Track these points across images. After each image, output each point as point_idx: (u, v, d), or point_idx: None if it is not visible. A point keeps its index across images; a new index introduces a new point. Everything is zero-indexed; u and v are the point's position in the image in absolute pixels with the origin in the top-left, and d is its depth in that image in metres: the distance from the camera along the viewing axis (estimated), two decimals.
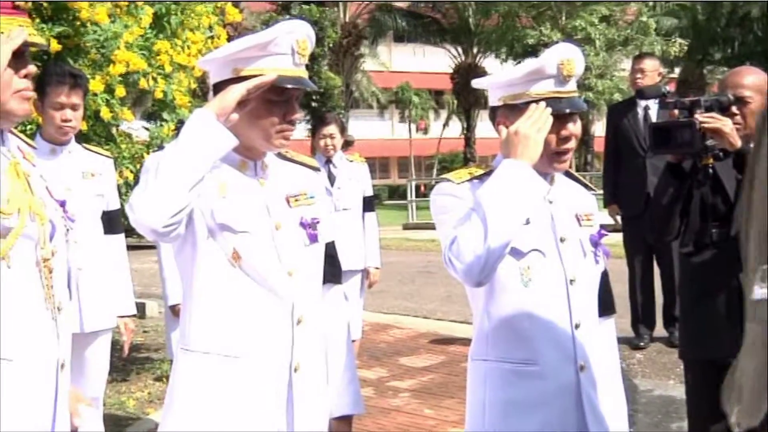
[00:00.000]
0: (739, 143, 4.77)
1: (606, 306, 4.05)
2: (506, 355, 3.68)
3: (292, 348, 3.52)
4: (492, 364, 3.72)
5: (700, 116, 4.76)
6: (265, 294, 3.51)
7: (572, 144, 3.77)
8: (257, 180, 3.65)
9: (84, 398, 3.59)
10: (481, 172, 3.72)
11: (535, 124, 3.52)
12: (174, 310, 7.53)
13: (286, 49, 3.51)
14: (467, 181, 3.70)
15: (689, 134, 4.78)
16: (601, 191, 10.35)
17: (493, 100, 3.80)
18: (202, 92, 10.33)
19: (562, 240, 3.77)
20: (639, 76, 10.15)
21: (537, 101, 3.61)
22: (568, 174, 4.03)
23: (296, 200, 3.69)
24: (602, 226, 4.03)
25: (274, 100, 3.52)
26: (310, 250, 3.65)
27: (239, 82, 3.40)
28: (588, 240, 3.90)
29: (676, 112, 4.90)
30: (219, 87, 3.51)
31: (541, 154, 3.60)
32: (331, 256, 3.86)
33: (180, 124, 8.53)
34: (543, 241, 3.71)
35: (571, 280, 3.75)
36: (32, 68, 3.08)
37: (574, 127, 3.78)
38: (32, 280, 3.10)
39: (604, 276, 4.05)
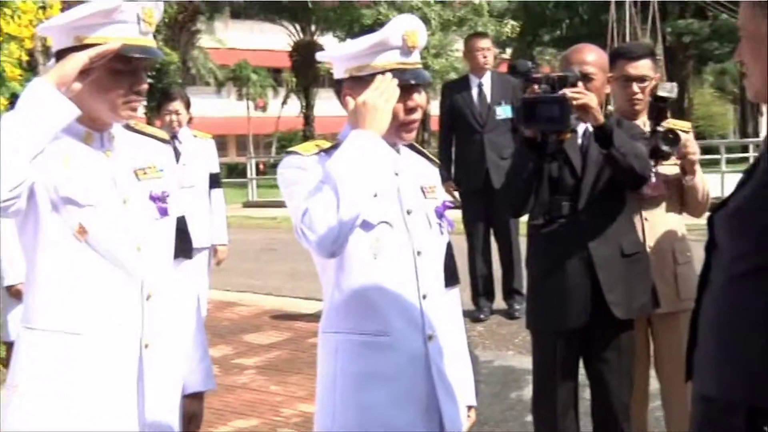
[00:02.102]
0: (602, 118, 4.87)
1: (451, 276, 4.07)
2: (357, 327, 3.67)
3: (142, 324, 3.48)
4: (343, 336, 3.71)
5: (569, 92, 4.80)
6: (113, 269, 3.45)
7: (418, 115, 3.77)
8: (103, 152, 3.57)
9: None
10: (328, 145, 3.70)
11: (383, 95, 3.49)
12: (11, 291, 7.47)
13: (131, 17, 3.43)
14: (315, 154, 3.67)
15: (559, 109, 4.79)
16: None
17: (339, 73, 3.78)
18: (31, 66, 10.13)
19: (408, 212, 3.77)
20: (486, 55, 10.28)
21: (383, 72, 3.58)
22: (412, 147, 4.05)
23: (144, 173, 3.63)
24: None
25: (120, 70, 3.43)
26: (159, 225, 3.61)
27: (82, 50, 3.31)
28: (433, 212, 3.92)
29: (537, 87, 4.90)
30: (61, 55, 3.41)
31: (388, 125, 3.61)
32: (181, 230, 3.82)
33: (14, 98, 8.39)
34: (390, 213, 3.71)
35: (418, 252, 3.75)
36: None
37: (420, 98, 3.78)
38: None
39: (449, 247, 4.07)
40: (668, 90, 5.16)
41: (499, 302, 10.59)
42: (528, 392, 5.95)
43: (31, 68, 9.75)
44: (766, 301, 2.63)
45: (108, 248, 3.40)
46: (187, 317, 3.86)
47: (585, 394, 5.38)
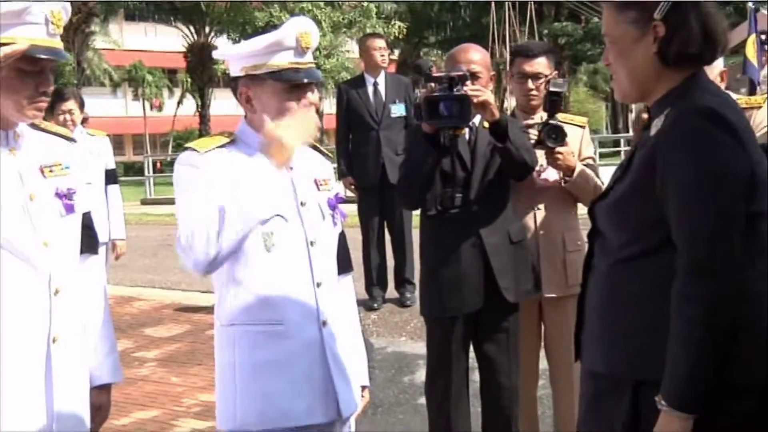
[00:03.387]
0: (498, 114, 4.94)
1: (344, 264, 4.13)
2: (253, 318, 3.72)
3: (50, 319, 3.41)
4: (239, 327, 3.75)
5: (469, 89, 4.85)
6: (20, 265, 3.39)
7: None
8: (8, 149, 3.50)
9: None
10: (226, 141, 3.74)
11: (299, 136, 3.62)
12: None
13: (39, 18, 3.37)
14: (211, 150, 3.71)
15: (459, 106, 4.83)
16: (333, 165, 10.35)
17: (235, 71, 3.79)
18: None
19: (302, 204, 3.83)
20: (384, 54, 10.37)
21: (278, 71, 3.66)
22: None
23: (51, 171, 3.57)
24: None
25: (27, 71, 3.37)
26: (66, 221, 3.55)
27: None
28: (326, 203, 3.97)
29: (435, 85, 4.92)
30: None
31: None
32: (87, 226, 3.77)
33: None
34: (285, 206, 3.75)
35: (312, 242, 3.82)
36: None
37: (313, 96, 3.82)
38: None
39: (342, 237, 4.13)
40: (560, 85, 5.23)
41: (391, 291, 10.61)
42: (420, 376, 6.01)
43: None
44: (647, 283, 2.70)
45: (14, 244, 3.35)
46: (94, 311, 3.82)
47: (474, 376, 5.43)
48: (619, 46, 2.84)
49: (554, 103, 5.09)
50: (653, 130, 2.77)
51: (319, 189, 3.94)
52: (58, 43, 3.46)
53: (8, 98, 3.37)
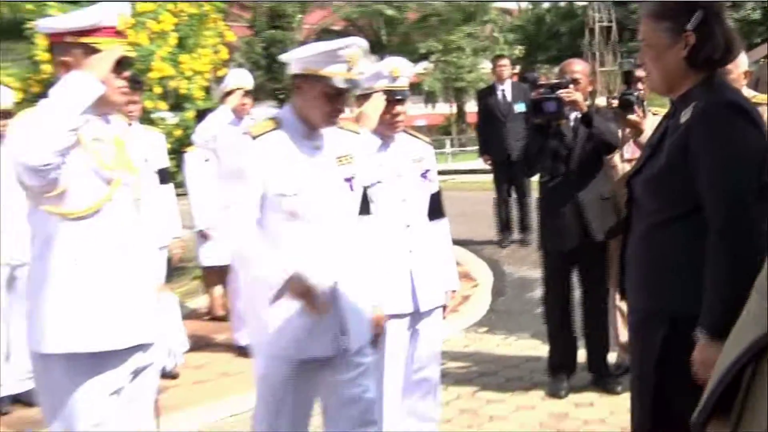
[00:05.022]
0: (585, 108, 5.04)
1: (436, 213, 4.13)
2: None
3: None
4: None
5: (563, 92, 4.95)
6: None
7: (402, 117, 3.92)
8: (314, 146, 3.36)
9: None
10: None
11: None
12: (201, 234, 7.31)
13: (343, 59, 3.25)
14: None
15: (556, 105, 4.99)
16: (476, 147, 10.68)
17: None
18: (207, 90, 10.31)
19: (399, 175, 3.90)
20: (505, 70, 10.55)
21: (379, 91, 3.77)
22: (409, 134, 4.11)
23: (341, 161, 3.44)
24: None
25: (332, 94, 3.23)
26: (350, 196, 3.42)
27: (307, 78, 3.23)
28: (419, 173, 4.00)
29: (541, 90, 5.06)
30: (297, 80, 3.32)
31: (382, 123, 3.81)
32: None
33: (198, 111, 8.57)
34: (385, 173, 3.86)
35: (403, 199, 3.89)
36: (127, 73, 3.05)
37: (402, 108, 3.89)
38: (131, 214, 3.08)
39: (436, 194, 4.12)
40: (630, 64, 5.19)
41: (516, 235, 10.73)
42: (538, 293, 6.05)
43: (207, 91, 9.98)
44: (678, 240, 2.61)
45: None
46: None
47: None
48: (654, 49, 2.67)
49: (626, 75, 5.02)
50: (682, 119, 2.62)
51: (413, 164, 4.01)
52: (353, 75, 3.27)
53: (319, 111, 3.23)
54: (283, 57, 3.41)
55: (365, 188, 3.60)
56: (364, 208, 3.60)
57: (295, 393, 3.31)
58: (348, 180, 3.38)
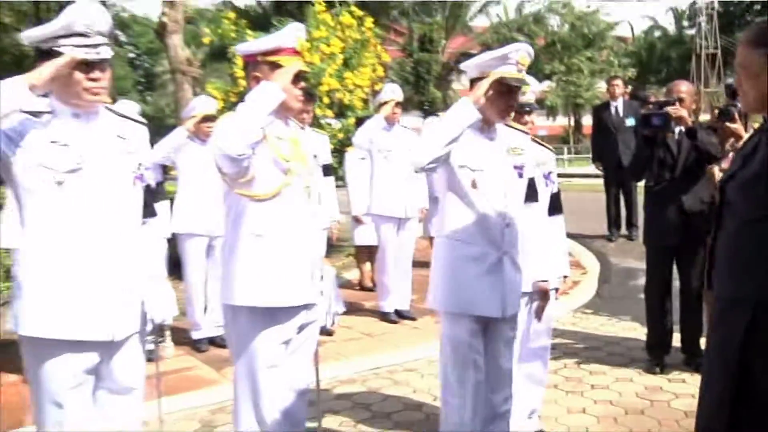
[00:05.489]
0: (690, 124, 4.91)
1: (556, 209, 3.98)
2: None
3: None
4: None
5: (670, 109, 4.86)
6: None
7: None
8: (490, 139, 3.26)
9: None
10: None
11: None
12: (355, 219, 7.52)
13: (513, 60, 3.13)
14: None
15: (662, 119, 4.90)
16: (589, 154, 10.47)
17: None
18: (365, 102, 10.47)
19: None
20: (617, 89, 10.20)
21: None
22: (534, 140, 3.71)
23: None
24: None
25: (503, 91, 3.14)
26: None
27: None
28: (541, 175, 3.81)
29: (651, 107, 5.02)
30: (473, 83, 3.16)
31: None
32: None
33: (358, 119, 8.75)
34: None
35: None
36: (303, 84, 3.12)
37: (528, 118, 3.75)
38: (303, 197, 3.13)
39: (555, 194, 3.95)
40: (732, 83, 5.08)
41: (623, 231, 10.42)
42: (641, 282, 5.89)
43: (365, 102, 10.18)
44: (766, 236, 2.49)
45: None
46: None
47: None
48: (750, 72, 2.53)
49: (730, 90, 4.84)
50: None
51: (535, 168, 3.63)
52: (522, 76, 3.15)
53: (495, 107, 3.14)
54: (462, 65, 3.35)
55: (531, 179, 3.51)
56: (532, 195, 3.53)
57: (470, 349, 3.22)
58: (517, 168, 3.31)
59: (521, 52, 3.16)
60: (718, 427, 2.60)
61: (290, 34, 3.08)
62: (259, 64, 3.05)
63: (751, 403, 2.53)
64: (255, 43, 3.21)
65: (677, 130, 5.01)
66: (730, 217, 2.68)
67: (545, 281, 3.48)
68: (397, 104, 6.59)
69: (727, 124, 4.60)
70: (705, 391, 2.71)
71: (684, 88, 5.18)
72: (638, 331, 5.85)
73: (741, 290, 2.59)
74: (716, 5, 33.65)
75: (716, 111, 5.34)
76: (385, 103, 6.60)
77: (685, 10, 36.66)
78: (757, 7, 31.95)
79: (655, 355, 5.24)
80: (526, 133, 3.51)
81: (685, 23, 37.30)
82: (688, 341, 5.21)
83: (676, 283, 5.25)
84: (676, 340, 5.28)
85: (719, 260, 2.72)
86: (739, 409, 2.55)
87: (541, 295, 3.39)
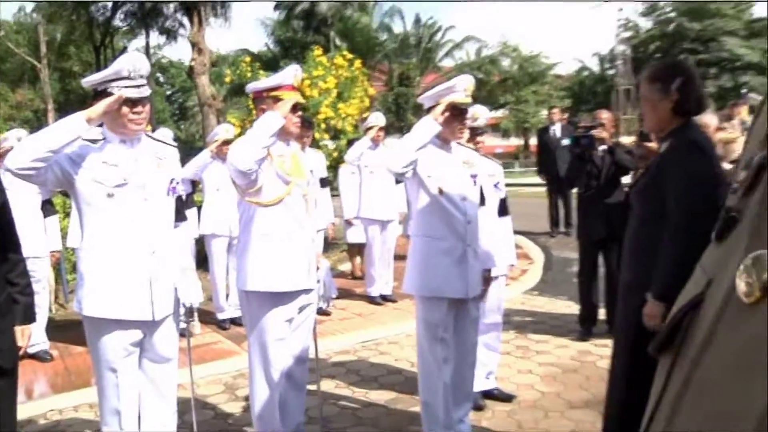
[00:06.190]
0: (611, 143, 4.95)
1: (504, 210, 3.91)
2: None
3: None
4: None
5: (595, 132, 4.93)
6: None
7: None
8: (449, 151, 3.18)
9: None
10: None
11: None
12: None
13: (460, 89, 3.08)
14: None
15: (589, 140, 4.94)
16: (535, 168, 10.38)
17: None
18: (355, 126, 10.45)
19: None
20: (557, 115, 10.21)
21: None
22: (485, 155, 3.65)
23: None
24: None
25: (456, 115, 3.07)
26: None
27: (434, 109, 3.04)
28: (492, 183, 3.71)
29: (581, 130, 5.09)
30: (428, 111, 3.08)
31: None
32: None
33: (349, 140, 8.73)
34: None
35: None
36: (300, 113, 3.11)
37: (481, 138, 3.74)
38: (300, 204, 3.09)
39: (503, 200, 3.88)
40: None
41: (561, 228, 10.29)
42: (575, 269, 5.89)
43: (355, 127, 10.19)
44: (653, 234, 2.50)
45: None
46: None
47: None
48: (650, 102, 2.56)
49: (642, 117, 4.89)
50: (662, 149, 2.57)
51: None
52: (469, 100, 3.13)
53: (450, 127, 3.08)
54: (419, 99, 3.30)
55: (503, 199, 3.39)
56: (480, 200, 3.35)
57: (440, 327, 3.16)
58: (472, 176, 3.24)
59: (466, 81, 3.14)
60: (623, 385, 2.62)
61: (288, 74, 3.06)
62: (265, 99, 3.04)
63: (648, 363, 2.56)
64: (261, 82, 3.19)
65: (601, 148, 5.01)
66: (632, 218, 2.69)
67: (488, 270, 3.43)
68: (381, 129, 6.58)
69: (647, 144, 4.65)
70: (614, 357, 2.72)
71: (605, 115, 5.17)
72: (573, 308, 5.85)
73: (637, 276, 2.60)
74: (629, 52, 34.00)
75: (639, 134, 5.37)
76: (372, 127, 6.59)
77: (606, 55, 36.89)
78: (658, 54, 32.44)
79: (585, 327, 5.24)
80: (476, 150, 3.49)
81: (607, 65, 37.49)
82: (611, 315, 5.18)
83: (602, 270, 5.25)
84: (602, 314, 5.29)
85: (624, 253, 2.73)
86: (638, 371, 2.57)
87: (484, 281, 3.38)
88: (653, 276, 2.42)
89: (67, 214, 6.33)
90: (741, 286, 0.37)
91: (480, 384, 3.84)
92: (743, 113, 7.12)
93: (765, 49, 29.90)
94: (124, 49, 27.67)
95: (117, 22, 25.92)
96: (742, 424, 0.32)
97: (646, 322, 2.41)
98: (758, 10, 32.10)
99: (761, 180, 0.43)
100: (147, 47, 25.84)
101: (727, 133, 4.77)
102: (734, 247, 0.41)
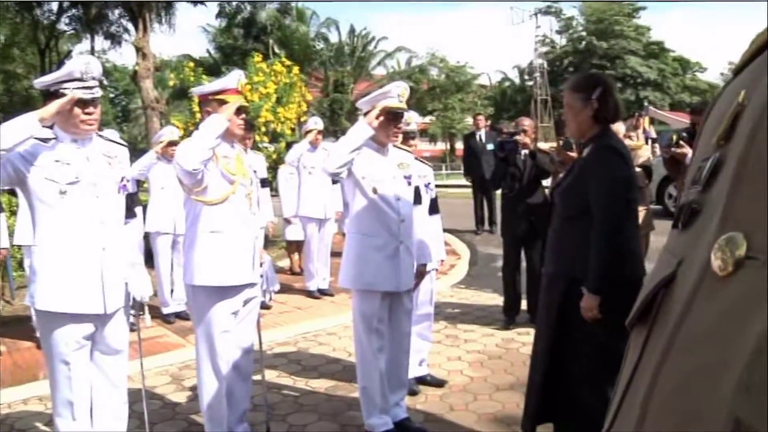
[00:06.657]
0: (532, 148, 4.95)
1: (434, 209, 3.88)
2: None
3: None
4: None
5: (519, 138, 4.94)
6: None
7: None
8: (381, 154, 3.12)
9: None
10: None
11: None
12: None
13: (394, 94, 3.04)
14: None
15: (512, 145, 4.95)
16: (461, 170, 10.35)
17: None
18: (293, 131, 10.34)
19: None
20: (481, 122, 10.24)
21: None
22: (416, 158, 3.56)
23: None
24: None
25: (390, 119, 3.02)
26: None
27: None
28: (424, 184, 3.71)
29: (504, 136, 5.09)
30: (365, 114, 3.04)
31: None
32: None
33: (287, 143, 8.63)
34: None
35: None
36: (244, 115, 3.05)
37: (414, 142, 3.73)
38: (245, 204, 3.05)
39: (434, 200, 3.84)
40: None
41: (486, 227, 10.43)
42: (499, 264, 5.96)
43: (293, 131, 10.06)
44: (577, 230, 2.55)
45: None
46: None
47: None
48: (572, 110, 2.60)
49: (558, 126, 4.99)
50: (585, 153, 2.62)
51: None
52: (403, 105, 3.08)
53: (385, 131, 3.05)
54: (358, 104, 3.24)
55: (416, 187, 3.35)
56: (417, 199, 3.39)
57: (374, 319, 3.15)
58: (406, 177, 3.23)
59: (401, 87, 3.13)
60: (546, 365, 2.67)
61: (233, 78, 3.01)
62: (210, 102, 2.98)
63: (567, 347, 2.61)
64: (206, 86, 3.12)
65: (523, 152, 5.05)
66: (555, 215, 2.73)
67: (423, 265, 3.46)
68: (319, 132, 6.54)
69: (567, 152, 4.74)
70: (536, 342, 2.77)
71: (527, 122, 5.17)
72: (497, 300, 5.91)
73: (559, 269, 2.65)
74: (546, 65, 35.08)
75: (561, 143, 5.50)
76: (311, 131, 6.54)
77: (525, 68, 37.89)
78: (572, 69, 33.74)
79: (509, 316, 5.30)
80: (410, 152, 3.48)
81: (526, 77, 38.54)
82: (532, 305, 5.24)
83: (524, 264, 5.32)
84: (524, 305, 5.36)
85: (548, 246, 2.76)
86: (558, 354, 2.63)
87: (417, 275, 3.40)
88: (588, 273, 2.46)
89: (13, 213, 6.02)
90: (717, 262, 0.40)
91: (414, 371, 3.85)
92: (645, 123, 7.49)
93: (660, 69, 31.55)
94: (68, 53, 26.39)
95: (62, 25, 24.70)
96: (729, 372, 0.35)
97: (584, 313, 2.46)
98: (654, 34, 33.97)
99: (717, 177, 0.46)
100: (92, 51, 24.76)
101: (634, 141, 4.98)
102: (701, 231, 0.45)
